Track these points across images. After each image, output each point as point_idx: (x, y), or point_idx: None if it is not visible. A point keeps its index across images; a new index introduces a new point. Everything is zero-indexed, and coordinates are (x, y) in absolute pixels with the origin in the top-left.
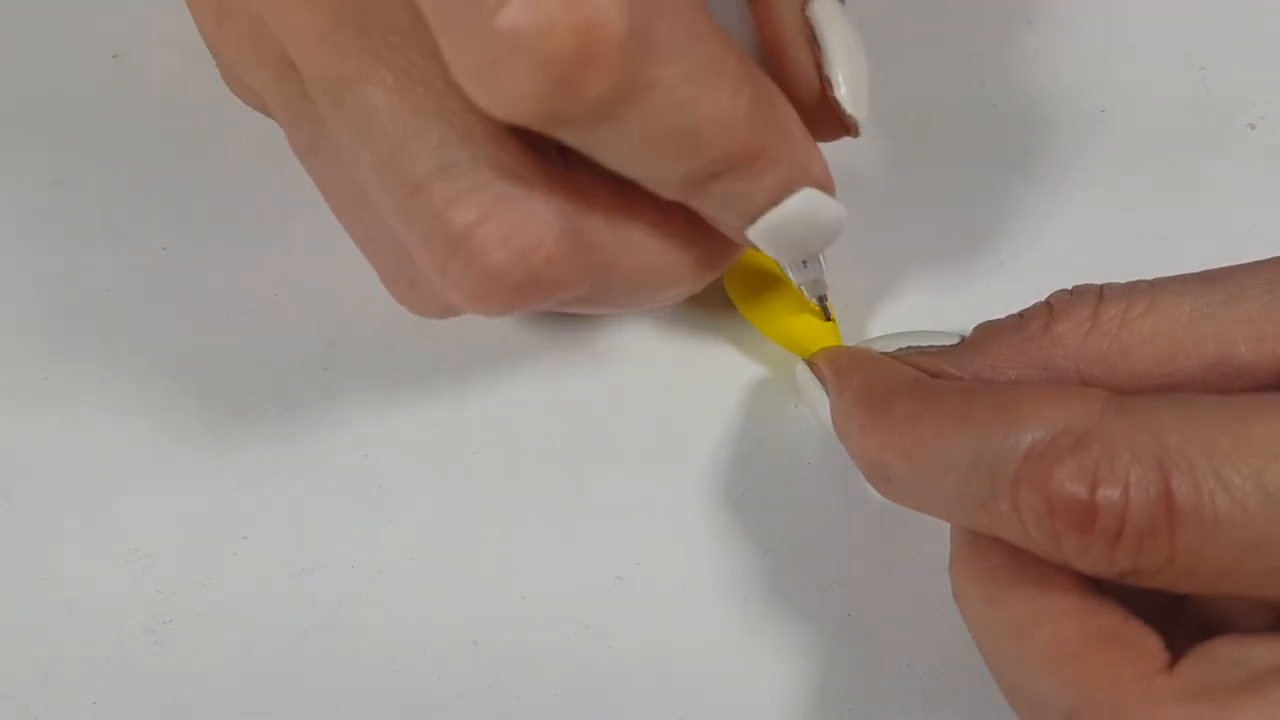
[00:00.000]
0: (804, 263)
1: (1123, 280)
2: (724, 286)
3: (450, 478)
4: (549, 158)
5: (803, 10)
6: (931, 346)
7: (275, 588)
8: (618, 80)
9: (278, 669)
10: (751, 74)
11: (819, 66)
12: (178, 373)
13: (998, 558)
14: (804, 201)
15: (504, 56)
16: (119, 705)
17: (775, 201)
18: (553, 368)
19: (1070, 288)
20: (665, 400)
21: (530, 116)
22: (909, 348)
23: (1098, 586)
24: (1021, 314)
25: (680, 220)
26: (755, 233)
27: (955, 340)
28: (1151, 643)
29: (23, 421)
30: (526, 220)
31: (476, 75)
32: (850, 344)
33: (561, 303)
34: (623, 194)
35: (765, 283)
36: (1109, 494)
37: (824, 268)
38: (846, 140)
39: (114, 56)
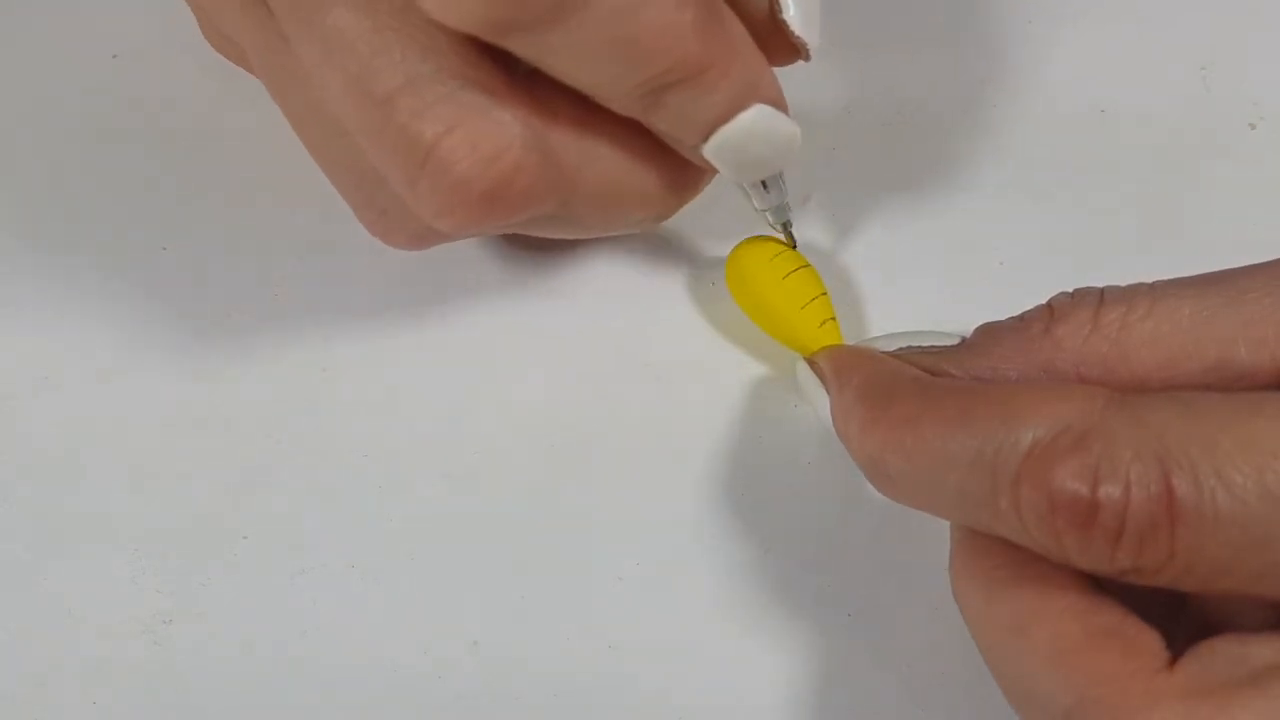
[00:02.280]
0: (765, 187)
1: (1123, 281)
2: (725, 284)
3: (450, 478)
4: (514, 75)
5: None
6: (932, 347)
7: (275, 588)
8: None
9: (278, 669)
10: None
11: None
12: (177, 372)
13: (997, 557)
14: (756, 117)
15: None
16: (119, 705)
17: (727, 117)
18: (553, 367)
19: (1071, 290)
20: (665, 399)
21: (479, 22)
22: (909, 348)
23: (1098, 585)
24: (1022, 316)
25: (644, 138)
26: (710, 150)
27: (955, 341)
28: (1152, 640)
29: (23, 421)
30: (492, 128)
31: None
32: (850, 343)
33: (531, 222)
34: (586, 109)
35: (767, 280)
36: (1110, 492)
37: (785, 191)
38: (847, 140)
39: (114, 56)
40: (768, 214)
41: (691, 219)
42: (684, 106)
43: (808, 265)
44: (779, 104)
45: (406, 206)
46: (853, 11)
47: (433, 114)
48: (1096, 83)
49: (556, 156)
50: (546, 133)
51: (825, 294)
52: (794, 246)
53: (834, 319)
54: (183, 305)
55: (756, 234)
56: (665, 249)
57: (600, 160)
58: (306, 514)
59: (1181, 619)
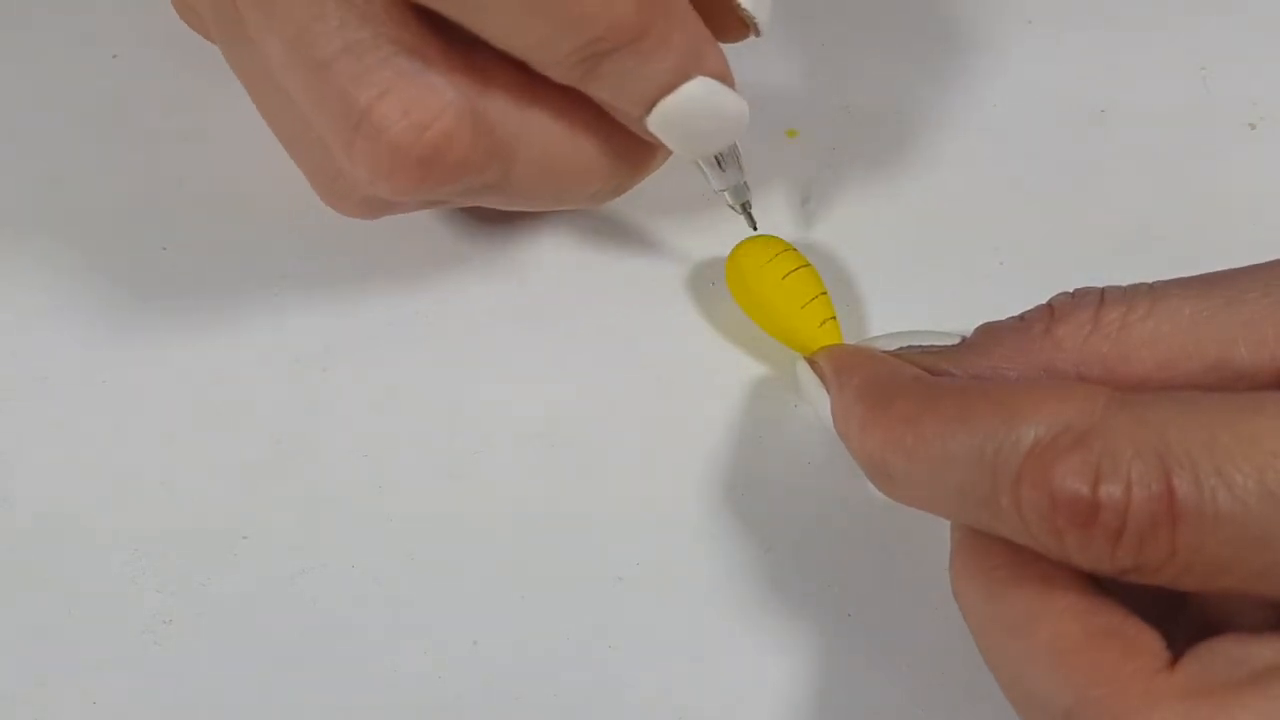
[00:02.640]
0: (719, 164)
1: (1123, 282)
2: (725, 283)
3: (450, 477)
4: (453, 42)
5: None
6: (932, 346)
7: (275, 588)
8: None
9: (278, 669)
10: None
11: None
12: (178, 372)
13: (997, 556)
14: (700, 90)
15: None
16: (119, 705)
17: (669, 88)
18: (553, 367)
19: (1071, 290)
20: (665, 398)
21: None
22: (909, 347)
23: (1098, 585)
24: (1022, 316)
25: (588, 109)
26: (653, 122)
27: (955, 341)
28: (1152, 640)
29: (23, 421)
30: (426, 94)
31: None
32: (851, 343)
33: (476, 192)
34: (526, 78)
35: (767, 279)
36: (1111, 490)
37: (744, 171)
38: (846, 141)
39: (114, 57)
40: (726, 194)
41: (691, 217)
42: (622, 76)
43: (808, 265)
44: (724, 78)
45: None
46: (853, 12)
47: (368, 79)
48: (1096, 83)
49: (493, 124)
50: (483, 100)
51: (825, 293)
52: (754, 227)
53: (834, 318)
54: (183, 305)
55: (756, 233)
56: (665, 248)
57: (540, 130)
58: (306, 514)
59: (1182, 619)
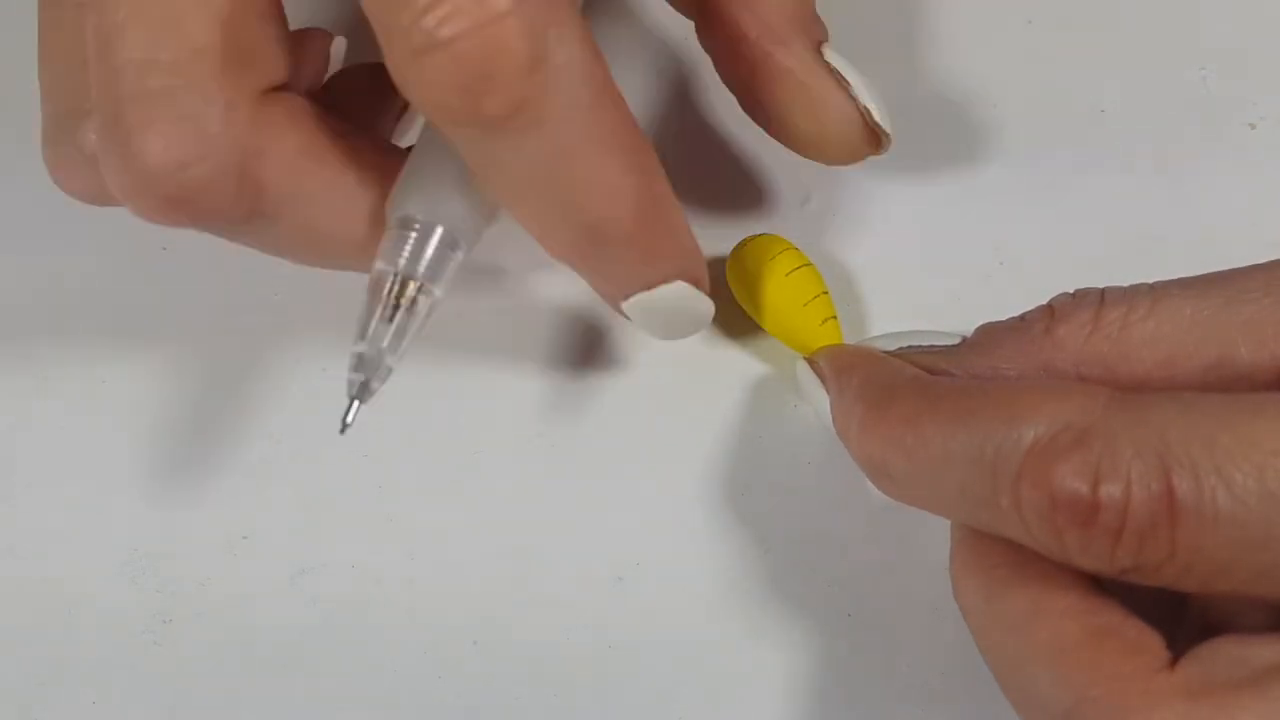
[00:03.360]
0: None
1: (1123, 281)
2: (726, 282)
3: (450, 477)
4: (265, 94)
5: (819, 52)
6: (932, 346)
7: (275, 588)
8: (518, 98)
9: (278, 669)
10: (641, 145)
11: (853, 98)
12: (177, 373)
13: (997, 556)
14: (677, 292)
15: (427, 49)
16: (119, 705)
17: (650, 287)
18: (553, 367)
19: (1072, 290)
20: (666, 398)
21: (441, 113)
22: (909, 347)
23: (1099, 585)
24: (1023, 316)
25: (363, 189)
26: (629, 308)
27: (955, 340)
28: (1152, 640)
29: (23, 421)
30: (192, 137)
31: (405, 69)
32: (851, 343)
33: (229, 235)
34: (332, 134)
35: (768, 278)
36: (1110, 490)
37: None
38: None
39: None
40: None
41: (691, 217)
42: (610, 265)
43: (809, 264)
44: (700, 283)
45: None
46: (853, 12)
47: (146, 100)
48: (1096, 83)
49: (263, 183)
50: (267, 153)
51: (826, 293)
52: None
53: (835, 318)
54: (183, 305)
55: (758, 232)
56: None
57: (314, 199)
58: (306, 514)
59: (1182, 620)
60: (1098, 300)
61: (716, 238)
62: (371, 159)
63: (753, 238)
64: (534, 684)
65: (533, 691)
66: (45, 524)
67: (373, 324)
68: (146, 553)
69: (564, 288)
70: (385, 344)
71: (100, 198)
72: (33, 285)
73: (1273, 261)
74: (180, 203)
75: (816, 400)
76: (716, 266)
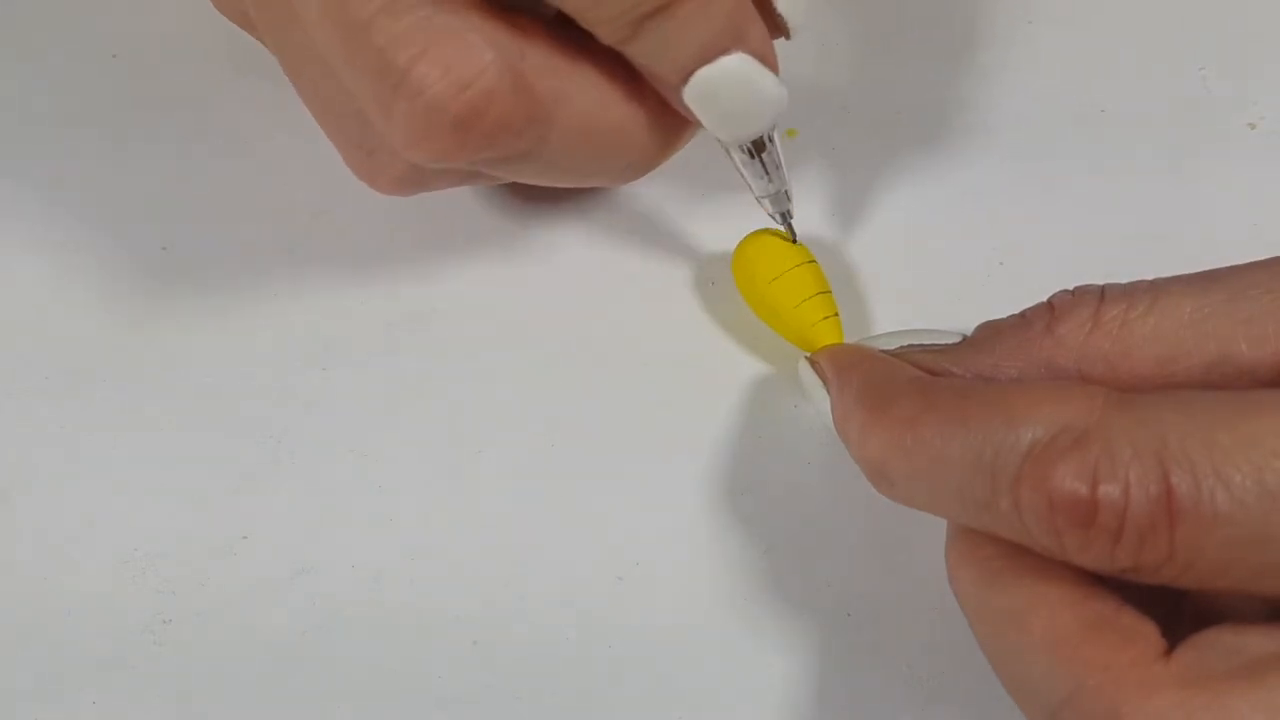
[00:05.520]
0: (764, 170)
1: (1123, 280)
2: (730, 279)
3: (450, 477)
4: (492, 2)
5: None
6: (933, 345)
7: (275, 588)
8: None
9: (278, 669)
10: None
11: None
12: (177, 372)
13: (993, 546)
14: (738, 64)
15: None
16: (119, 705)
17: (707, 58)
18: (554, 365)
19: (1072, 288)
20: (666, 397)
21: None
22: (910, 346)
23: (1094, 575)
24: (1023, 314)
25: (627, 77)
26: (689, 93)
27: (956, 339)
28: (1148, 630)
29: (23, 421)
30: (466, 52)
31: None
32: (852, 341)
33: (507, 163)
34: (567, 40)
35: (771, 274)
36: (1109, 491)
37: (786, 179)
38: (846, 140)
39: (114, 56)
40: (765, 201)
41: (695, 213)
42: (664, 40)
43: (812, 260)
44: (766, 59)
45: (389, 146)
46: (853, 12)
47: (407, 37)
48: (1096, 83)
49: (533, 86)
50: (525, 59)
51: (828, 290)
52: (794, 239)
53: (836, 315)
54: (183, 305)
55: (761, 228)
56: (669, 244)
57: (579, 93)
58: (306, 514)
59: (1178, 610)
60: (1098, 297)
61: (720, 234)
62: (598, 44)
63: (757, 233)
64: (534, 684)
65: (532, 691)
66: (45, 524)
67: (762, 173)
68: (146, 553)
69: (564, 287)
70: (778, 174)
71: (411, 182)
72: (33, 284)
73: (1273, 259)
74: (471, 121)
75: (818, 400)
76: (717, 266)
